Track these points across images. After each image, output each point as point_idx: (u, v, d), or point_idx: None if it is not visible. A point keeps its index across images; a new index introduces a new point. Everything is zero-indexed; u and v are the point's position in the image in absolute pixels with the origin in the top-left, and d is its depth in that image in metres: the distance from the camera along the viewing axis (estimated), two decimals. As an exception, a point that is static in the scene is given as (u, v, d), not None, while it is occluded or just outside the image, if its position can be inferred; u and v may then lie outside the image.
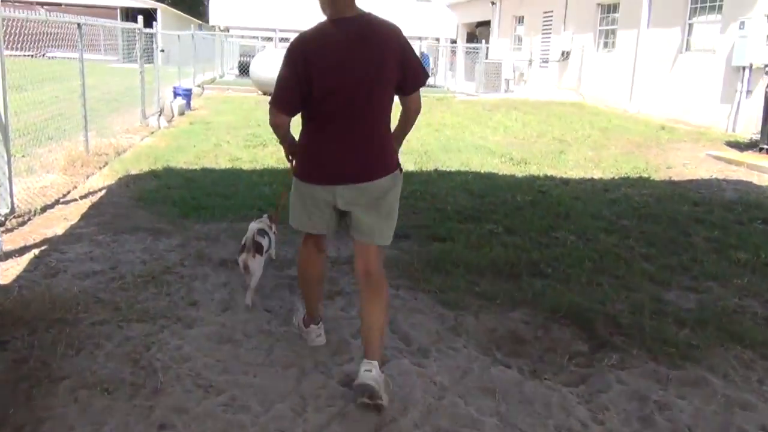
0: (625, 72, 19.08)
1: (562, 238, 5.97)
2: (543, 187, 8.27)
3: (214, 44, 26.64)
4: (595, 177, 9.12)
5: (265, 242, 4.36)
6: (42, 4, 19.45)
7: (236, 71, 28.61)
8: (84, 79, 9.09)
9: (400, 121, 3.41)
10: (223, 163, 8.92)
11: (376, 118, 3.22)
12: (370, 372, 3.16)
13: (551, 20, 23.92)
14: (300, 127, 3.34)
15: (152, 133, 11.67)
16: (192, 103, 15.71)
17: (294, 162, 3.45)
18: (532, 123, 14.75)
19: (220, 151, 9.92)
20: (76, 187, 7.31)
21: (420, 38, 27.93)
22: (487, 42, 26.17)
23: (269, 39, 31.23)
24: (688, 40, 16.86)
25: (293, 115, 3.26)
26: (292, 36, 4.50)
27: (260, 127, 12.56)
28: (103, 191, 7.19)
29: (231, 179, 7.95)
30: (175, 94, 14.96)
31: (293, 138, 3.45)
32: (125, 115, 12.32)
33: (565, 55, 22.54)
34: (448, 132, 13.09)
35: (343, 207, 3.26)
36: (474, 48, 26.31)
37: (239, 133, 11.79)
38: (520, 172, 9.29)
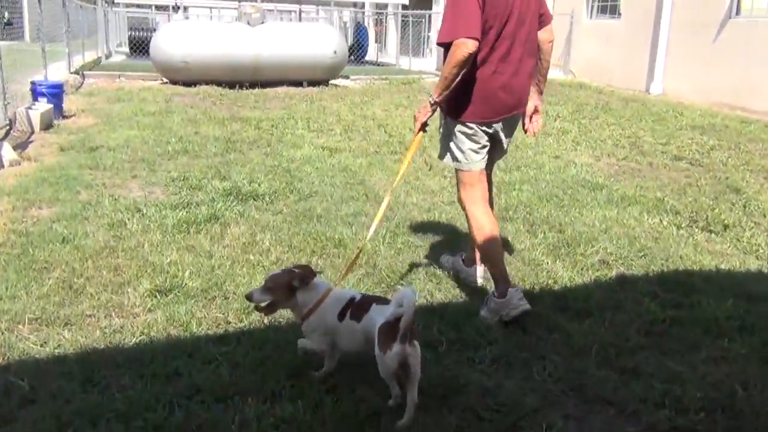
0: (639, 43, 14.43)
1: None
2: None
3: (96, 16, 19.90)
4: None
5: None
6: None
7: (125, 49, 21.99)
8: None
9: (542, 57, 3.59)
10: (137, 325, 3.43)
11: (532, 48, 3.48)
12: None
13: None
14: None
15: (-17, 182, 5.84)
16: (66, 104, 9.74)
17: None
18: (570, 121, 9.83)
19: (124, 250, 4.38)
20: None
21: (355, 4, 22.30)
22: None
23: (164, 9, 24.42)
24: (739, 2, 12.37)
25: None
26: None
27: (192, 155, 6.91)
28: None
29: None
30: (36, 94, 8.96)
31: None
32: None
33: (541, 23, 17.69)
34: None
35: (503, 137, 3.62)
36: (419, 17, 21.07)
37: (156, 175, 6.18)
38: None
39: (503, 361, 3.12)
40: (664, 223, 5.27)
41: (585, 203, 5.67)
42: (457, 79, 3.29)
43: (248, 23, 13.40)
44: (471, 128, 3.49)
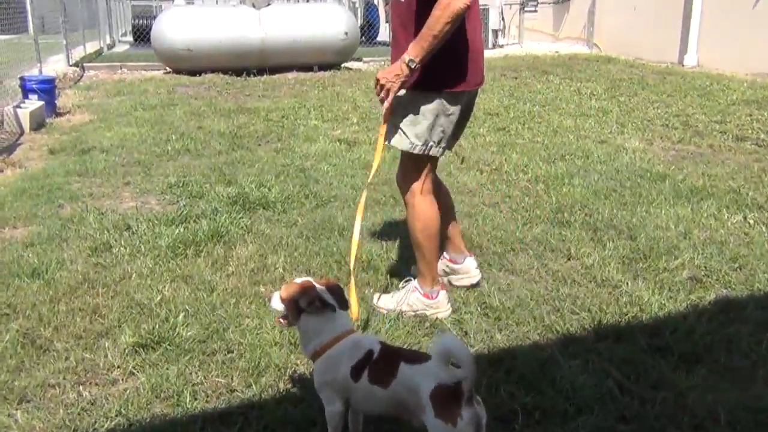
0: (670, 13, 13.34)
1: None
2: None
3: (98, 5, 19.02)
4: None
5: None
6: None
7: (130, 38, 21.12)
8: None
9: None
10: (114, 400, 2.63)
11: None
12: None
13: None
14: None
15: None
16: (61, 100, 8.94)
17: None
18: (607, 99, 8.89)
19: (106, 284, 3.58)
20: None
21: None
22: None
23: (169, -5, 23.45)
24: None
25: None
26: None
27: (194, 154, 6.10)
28: None
29: None
30: (26, 90, 8.15)
31: None
32: None
33: (561, -5, 16.65)
34: (556, 147, 7.01)
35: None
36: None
37: (151, 181, 5.35)
38: None
39: (603, 439, 2.29)
40: (750, 221, 4.38)
41: (650, 199, 4.77)
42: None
43: (253, 6, 12.50)
44: (451, 100, 2.91)
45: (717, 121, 7.35)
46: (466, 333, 2.99)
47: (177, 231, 4.11)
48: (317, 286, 2.21)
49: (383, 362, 2.09)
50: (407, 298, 3.17)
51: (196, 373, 2.66)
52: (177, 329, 2.95)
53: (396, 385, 2.02)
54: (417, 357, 2.07)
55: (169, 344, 2.85)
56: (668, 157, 6.04)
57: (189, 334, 2.92)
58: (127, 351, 2.81)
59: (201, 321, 3.04)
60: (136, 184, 5.27)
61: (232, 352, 2.82)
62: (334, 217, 4.40)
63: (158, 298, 3.25)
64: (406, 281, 3.32)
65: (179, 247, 3.88)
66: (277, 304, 2.25)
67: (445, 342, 1.91)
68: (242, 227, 4.21)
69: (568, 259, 3.80)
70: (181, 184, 5.18)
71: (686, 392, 2.52)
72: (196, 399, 2.49)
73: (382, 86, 2.82)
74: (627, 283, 3.44)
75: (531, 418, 2.40)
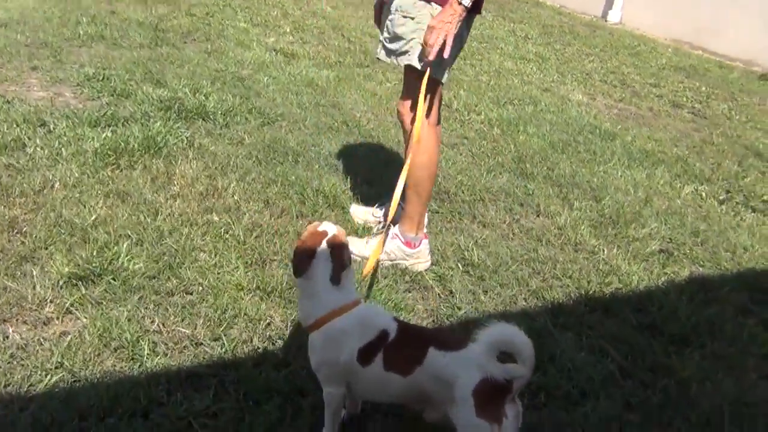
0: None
1: None
2: None
3: None
4: None
5: None
6: None
7: None
8: None
9: None
10: (51, 346, 2.15)
11: None
12: None
13: None
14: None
15: None
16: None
17: None
18: (543, 45, 8.71)
19: (24, 193, 2.97)
20: None
21: None
22: None
23: None
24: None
25: None
26: None
27: (110, 42, 5.30)
28: None
29: None
30: None
31: None
32: None
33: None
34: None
35: None
36: None
37: (64, 69, 4.53)
38: None
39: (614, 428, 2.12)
40: (702, 194, 4.36)
41: (606, 158, 4.64)
42: None
43: None
44: (470, 23, 2.64)
45: (652, 84, 7.36)
46: (451, 292, 2.72)
47: (104, 135, 3.50)
48: (324, 243, 1.80)
49: (403, 345, 1.75)
50: (386, 246, 2.84)
51: (151, 318, 2.22)
52: (120, 260, 2.47)
53: (420, 374, 1.70)
54: (450, 341, 1.75)
55: (113, 278, 2.37)
56: (612, 115, 5.96)
57: (136, 267, 2.45)
58: (61, 283, 2.31)
59: (148, 252, 2.57)
60: (45, 71, 4.49)
61: (191, 293, 2.39)
62: (285, 140, 3.93)
63: (92, 218, 2.72)
64: (381, 225, 2.99)
65: (109, 155, 3.30)
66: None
67: (506, 332, 1.60)
68: (182, 140, 3.66)
69: (538, 215, 3.60)
70: (100, 77, 4.46)
71: (686, 381, 2.39)
72: (155, 353, 2.07)
73: (436, 32, 2.38)
74: (603, 250, 3.29)
75: (537, 399, 2.19)
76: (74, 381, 1.92)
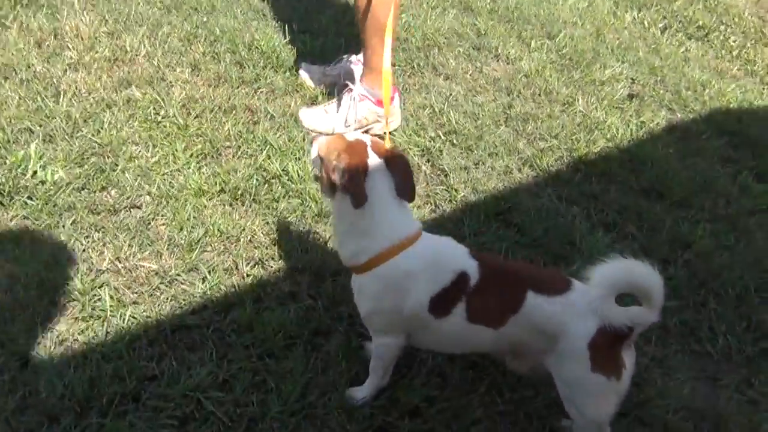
0: None
1: None
2: None
3: None
4: None
5: None
6: None
7: None
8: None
9: None
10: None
11: None
12: None
13: None
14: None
15: None
16: None
17: None
18: None
19: None
20: None
21: None
22: None
23: None
24: None
25: None
26: None
27: None
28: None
29: None
30: None
31: None
32: None
33: None
34: None
35: None
36: None
37: None
38: None
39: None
40: (645, 22, 4.08)
41: None
42: None
43: None
44: None
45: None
46: (443, 171, 2.32)
47: None
48: (372, 154, 1.33)
49: (491, 290, 1.35)
50: (353, 112, 2.35)
51: (98, 251, 1.68)
52: (32, 167, 1.84)
53: (516, 324, 1.34)
54: (550, 281, 1.37)
55: (29, 197, 1.76)
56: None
57: (56, 177, 1.83)
58: (-45, 214, 1.68)
59: (65, 152, 1.93)
60: None
61: (139, 206, 1.84)
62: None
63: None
64: (343, 90, 2.46)
65: None
66: (315, 157, 1.38)
67: (634, 270, 1.25)
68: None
69: (498, 60, 3.18)
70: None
71: (705, 254, 2.21)
72: (121, 303, 1.57)
73: None
74: (578, 99, 2.96)
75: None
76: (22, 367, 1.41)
